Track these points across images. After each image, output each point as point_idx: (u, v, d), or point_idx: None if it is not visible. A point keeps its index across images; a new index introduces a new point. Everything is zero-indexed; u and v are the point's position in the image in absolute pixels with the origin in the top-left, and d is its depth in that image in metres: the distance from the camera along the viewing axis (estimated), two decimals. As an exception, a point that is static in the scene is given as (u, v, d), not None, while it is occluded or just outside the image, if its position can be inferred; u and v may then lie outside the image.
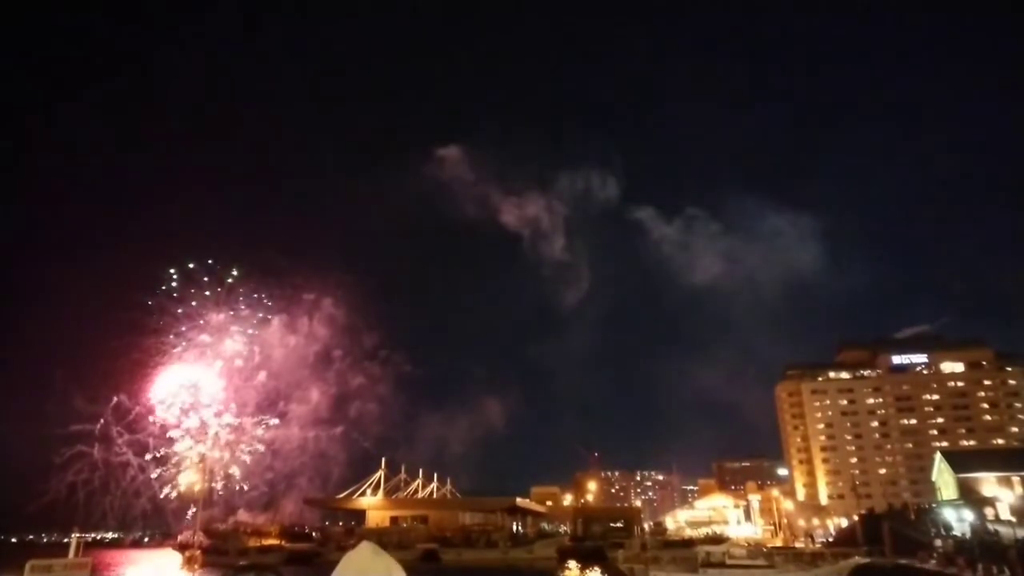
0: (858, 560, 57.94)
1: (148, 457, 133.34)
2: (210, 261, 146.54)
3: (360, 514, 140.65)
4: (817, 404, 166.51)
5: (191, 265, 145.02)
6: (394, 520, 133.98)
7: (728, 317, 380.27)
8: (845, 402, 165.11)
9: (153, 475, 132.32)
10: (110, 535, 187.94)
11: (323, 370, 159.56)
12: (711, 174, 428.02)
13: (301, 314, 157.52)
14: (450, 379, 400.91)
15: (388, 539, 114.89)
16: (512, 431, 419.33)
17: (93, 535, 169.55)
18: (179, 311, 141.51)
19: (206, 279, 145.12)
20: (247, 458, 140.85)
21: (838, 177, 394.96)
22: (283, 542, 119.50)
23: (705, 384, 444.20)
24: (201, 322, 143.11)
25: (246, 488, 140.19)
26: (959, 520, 74.68)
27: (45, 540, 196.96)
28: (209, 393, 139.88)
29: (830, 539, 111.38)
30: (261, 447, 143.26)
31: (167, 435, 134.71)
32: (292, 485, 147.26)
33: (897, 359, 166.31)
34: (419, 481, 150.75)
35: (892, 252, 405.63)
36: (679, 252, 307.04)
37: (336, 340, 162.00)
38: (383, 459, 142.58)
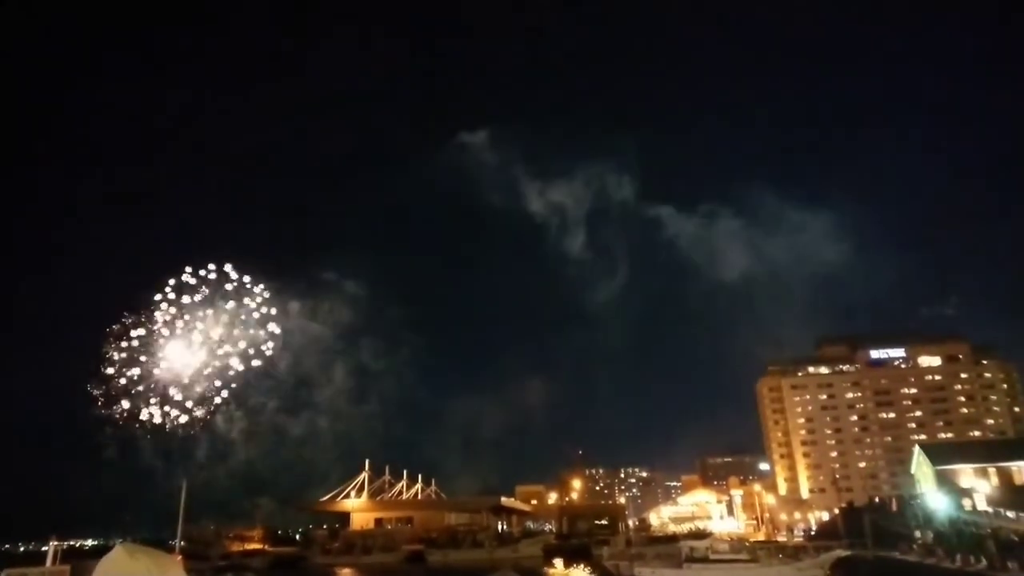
0: (840, 553, 58.47)
1: (163, 458, 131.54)
2: (226, 251, 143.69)
3: (345, 517, 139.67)
4: (797, 399, 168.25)
5: (206, 256, 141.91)
6: (379, 522, 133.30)
7: (722, 313, 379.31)
8: (825, 396, 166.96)
9: (168, 475, 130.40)
10: (90, 542, 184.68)
11: (345, 355, 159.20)
12: (729, 169, 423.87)
13: (322, 298, 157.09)
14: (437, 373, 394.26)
15: (373, 541, 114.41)
16: (497, 429, 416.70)
17: (72, 542, 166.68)
18: (190, 304, 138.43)
19: (221, 267, 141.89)
20: (271, 450, 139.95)
21: (852, 176, 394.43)
22: (266, 546, 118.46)
23: (690, 380, 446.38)
24: (214, 313, 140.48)
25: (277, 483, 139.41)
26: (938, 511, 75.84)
27: (22, 549, 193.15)
28: (227, 385, 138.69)
29: (812, 532, 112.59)
30: (283, 438, 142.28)
31: (186, 433, 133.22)
32: (326, 479, 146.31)
33: (875, 353, 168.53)
34: (403, 482, 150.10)
35: (894, 249, 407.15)
36: (687, 250, 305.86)
37: (358, 324, 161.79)
38: (367, 460, 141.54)
